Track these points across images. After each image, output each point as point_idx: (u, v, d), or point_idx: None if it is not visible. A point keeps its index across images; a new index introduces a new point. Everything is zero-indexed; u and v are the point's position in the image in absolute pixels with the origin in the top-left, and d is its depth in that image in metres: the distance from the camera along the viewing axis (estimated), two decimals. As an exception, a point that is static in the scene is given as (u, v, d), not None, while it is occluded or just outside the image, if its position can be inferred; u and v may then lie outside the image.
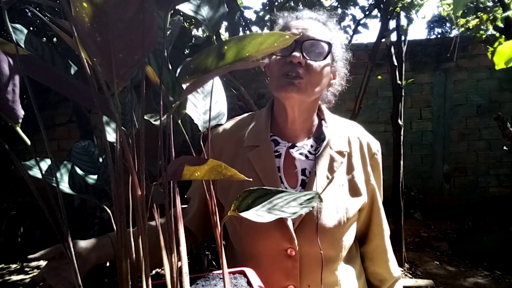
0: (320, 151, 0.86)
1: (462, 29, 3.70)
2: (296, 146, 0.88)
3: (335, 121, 0.94)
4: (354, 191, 0.87)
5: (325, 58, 0.83)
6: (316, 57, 0.82)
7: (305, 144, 0.89)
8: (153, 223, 0.74)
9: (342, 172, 0.87)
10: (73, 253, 0.43)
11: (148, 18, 0.36)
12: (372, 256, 0.96)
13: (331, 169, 0.85)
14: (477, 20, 3.43)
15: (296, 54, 0.80)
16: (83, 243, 0.72)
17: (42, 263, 3.89)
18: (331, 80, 0.90)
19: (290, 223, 0.80)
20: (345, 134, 0.91)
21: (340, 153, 0.88)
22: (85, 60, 0.41)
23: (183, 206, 0.96)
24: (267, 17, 2.69)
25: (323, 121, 0.93)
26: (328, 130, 0.90)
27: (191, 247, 1.00)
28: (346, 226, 0.84)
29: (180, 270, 0.53)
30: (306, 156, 0.87)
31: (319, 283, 0.81)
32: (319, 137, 0.90)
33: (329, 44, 0.83)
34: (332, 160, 0.86)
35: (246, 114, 0.98)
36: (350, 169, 0.88)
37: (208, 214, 0.70)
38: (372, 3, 2.94)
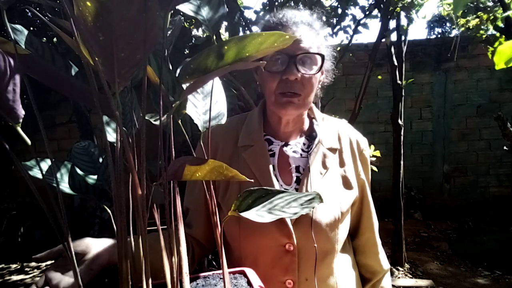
0: (312, 148, 0.88)
1: (462, 29, 3.70)
2: (289, 145, 0.90)
3: (324, 119, 0.96)
4: (346, 185, 0.89)
5: (319, 70, 0.82)
6: (310, 70, 0.82)
7: (298, 142, 0.91)
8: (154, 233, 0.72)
9: (335, 168, 0.89)
10: (73, 253, 0.43)
11: (150, 17, 0.36)
12: (364, 249, 0.98)
13: (324, 165, 0.87)
14: (477, 20, 3.43)
15: (292, 72, 0.79)
16: (94, 242, 0.69)
17: (42, 263, 3.90)
18: (320, 77, 0.90)
19: (288, 219, 0.81)
20: (335, 131, 0.94)
21: (332, 150, 0.90)
22: (85, 60, 0.41)
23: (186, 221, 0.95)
24: (267, 17, 2.68)
25: (313, 120, 0.96)
26: (319, 128, 0.92)
27: (202, 257, 0.98)
28: (341, 219, 0.86)
29: (180, 270, 0.53)
30: (300, 154, 0.89)
31: (317, 276, 0.82)
32: (311, 135, 0.93)
33: (323, 56, 0.82)
34: (324, 156, 0.88)
35: (238, 115, 0.99)
36: (341, 164, 0.91)
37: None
38: (372, 3, 2.94)
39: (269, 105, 0.88)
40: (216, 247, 0.92)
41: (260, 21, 0.92)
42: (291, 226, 0.80)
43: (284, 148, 0.89)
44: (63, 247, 0.64)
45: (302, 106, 0.84)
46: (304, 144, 0.91)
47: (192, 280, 0.65)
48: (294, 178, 0.87)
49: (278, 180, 0.86)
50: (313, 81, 0.83)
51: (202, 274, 0.68)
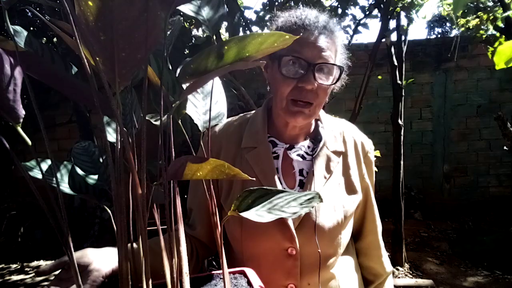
0: (317, 151, 0.87)
1: (462, 29, 3.70)
2: (294, 148, 0.89)
3: (329, 121, 0.95)
4: (350, 189, 0.88)
5: (336, 81, 0.81)
6: (327, 80, 0.80)
7: (302, 145, 0.90)
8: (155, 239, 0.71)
9: (339, 172, 0.88)
10: (73, 253, 0.43)
11: (152, 17, 0.36)
12: (367, 252, 0.97)
13: (328, 169, 0.86)
14: (477, 20, 3.43)
15: (310, 81, 0.77)
16: (96, 252, 0.67)
17: (42, 263, 3.90)
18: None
19: (290, 223, 0.80)
20: (340, 133, 0.92)
21: (336, 153, 0.89)
22: (86, 60, 0.41)
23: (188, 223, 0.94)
24: (267, 17, 2.69)
25: (319, 122, 0.94)
26: (324, 131, 0.91)
27: (207, 258, 0.97)
28: (344, 224, 0.85)
29: (180, 270, 0.53)
30: (303, 157, 0.88)
31: (318, 281, 0.81)
32: (315, 138, 0.91)
33: (341, 68, 0.81)
34: (328, 160, 0.87)
35: (241, 115, 0.98)
36: (346, 168, 0.89)
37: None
38: (372, 3, 2.94)
39: (278, 109, 0.85)
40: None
41: (274, 17, 0.88)
42: (293, 230, 0.80)
43: (288, 151, 0.88)
44: (65, 258, 0.63)
45: (312, 115, 0.83)
46: (308, 147, 0.90)
47: (192, 280, 0.65)
48: (298, 182, 0.86)
49: (281, 183, 0.85)
50: (327, 91, 0.82)
51: (202, 274, 0.68)
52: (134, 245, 0.54)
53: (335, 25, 0.83)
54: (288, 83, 0.79)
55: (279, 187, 0.84)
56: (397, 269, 3.37)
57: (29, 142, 0.43)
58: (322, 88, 0.80)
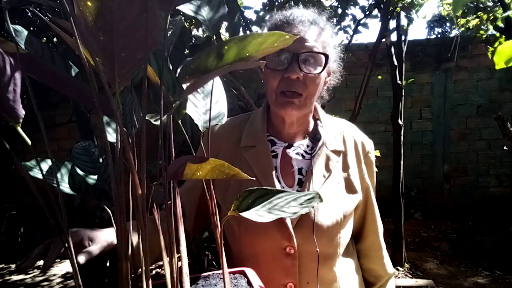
0: (316, 150, 0.87)
1: (462, 29, 3.70)
2: (293, 146, 0.89)
3: (329, 121, 0.95)
4: (350, 189, 0.88)
5: (323, 69, 0.81)
6: (314, 69, 0.80)
7: (301, 144, 0.90)
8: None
9: (338, 171, 0.88)
10: (72, 251, 0.43)
11: (151, 17, 0.36)
12: (367, 253, 0.97)
13: (327, 168, 0.86)
14: (477, 20, 3.43)
15: (294, 70, 0.78)
16: (101, 234, 0.71)
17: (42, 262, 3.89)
18: (326, 78, 0.88)
19: (288, 222, 0.80)
20: (340, 133, 0.92)
21: (336, 152, 0.89)
22: (85, 60, 0.41)
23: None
24: (267, 17, 2.69)
25: (318, 121, 0.94)
26: (323, 130, 0.91)
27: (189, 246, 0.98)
28: (343, 223, 0.85)
29: (180, 270, 0.53)
30: (303, 156, 0.88)
31: (319, 280, 0.81)
32: (315, 137, 0.91)
33: (326, 56, 0.81)
34: (328, 159, 0.87)
35: (241, 114, 0.98)
36: (345, 167, 0.89)
37: (201, 213, 0.66)
38: (372, 3, 2.94)
39: (271, 104, 0.87)
40: (215, 245, 0.92)
41: (265, 20, 0.91)
42: (291, 229, 0.80)
43: (287, 150, 0.88)
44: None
45: (303, 107, 0.83)
46: (308, 146, 0.90)
47: (192, 280, 0.65)
48: (296, 180, 0.86)
49: (280, 182, 0.85)
50: (317, 81, 0.82)
51: (202, 274, 0.68)
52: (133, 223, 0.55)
53: (323, 20, 0.84)
54: (275, 76, 0.81)
55: (278, 185, 0.84)
56: (397, 269, 3.37)
57: (29, 142, 0.43)
58: (309, 78, 0.80)
